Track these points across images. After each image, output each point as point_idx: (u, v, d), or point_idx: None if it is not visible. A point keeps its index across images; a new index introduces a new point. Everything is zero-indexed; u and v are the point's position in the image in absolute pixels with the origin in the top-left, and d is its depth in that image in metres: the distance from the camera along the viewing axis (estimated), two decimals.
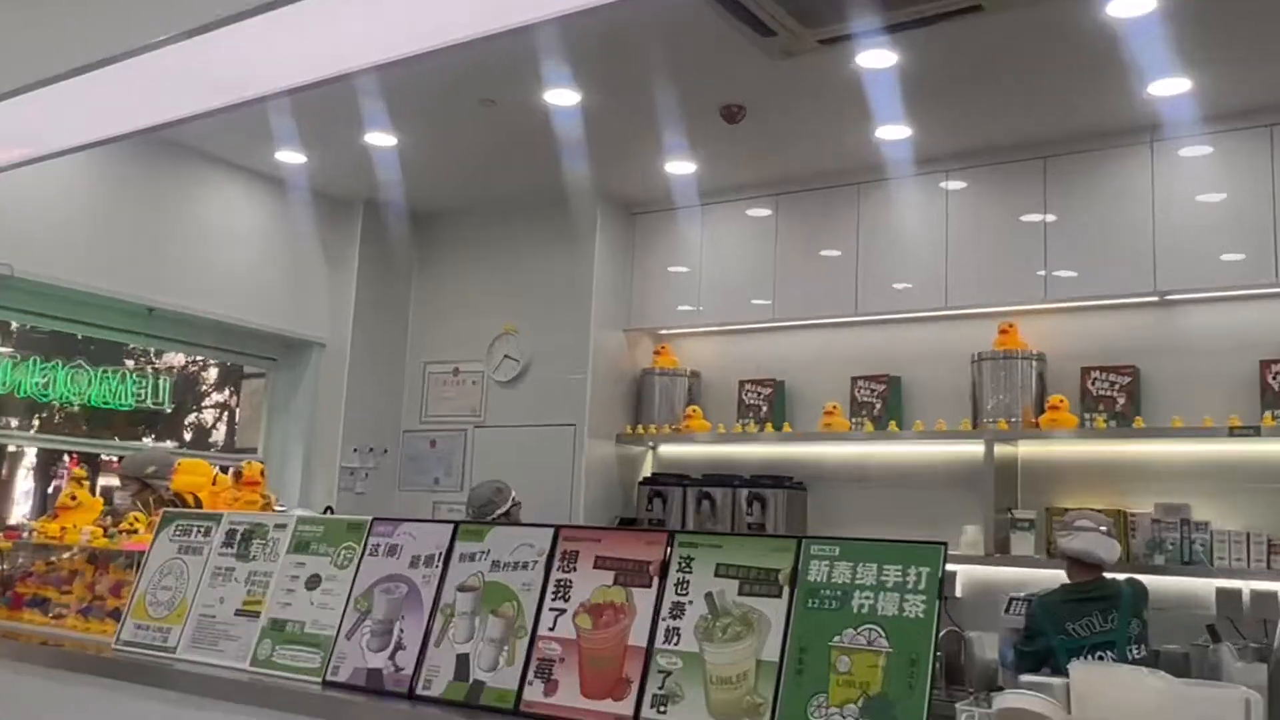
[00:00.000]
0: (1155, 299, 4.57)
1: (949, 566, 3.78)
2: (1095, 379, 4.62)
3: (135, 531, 2.82)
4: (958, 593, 4.66)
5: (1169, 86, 4.18)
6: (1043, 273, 4.71)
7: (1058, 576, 4.41)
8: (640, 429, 5.76)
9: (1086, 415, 4.60)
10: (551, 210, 5.94)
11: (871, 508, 5.13)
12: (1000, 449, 4.67)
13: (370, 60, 2.98)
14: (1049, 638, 3.62)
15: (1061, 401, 4.61)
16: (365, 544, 2.29)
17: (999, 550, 4.56)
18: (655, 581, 1.90)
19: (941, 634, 1.68)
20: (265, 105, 3.37)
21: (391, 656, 2.10)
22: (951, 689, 4.19)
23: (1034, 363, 4.75)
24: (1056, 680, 2.05)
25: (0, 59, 3.31)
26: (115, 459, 5.66)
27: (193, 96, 3.34)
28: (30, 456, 11.73)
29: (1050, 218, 4.73)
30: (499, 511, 4.42)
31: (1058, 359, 4.79)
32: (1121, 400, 4.55)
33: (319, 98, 4.24)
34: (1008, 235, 4.83)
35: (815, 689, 1.67)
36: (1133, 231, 4.53)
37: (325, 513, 3.80)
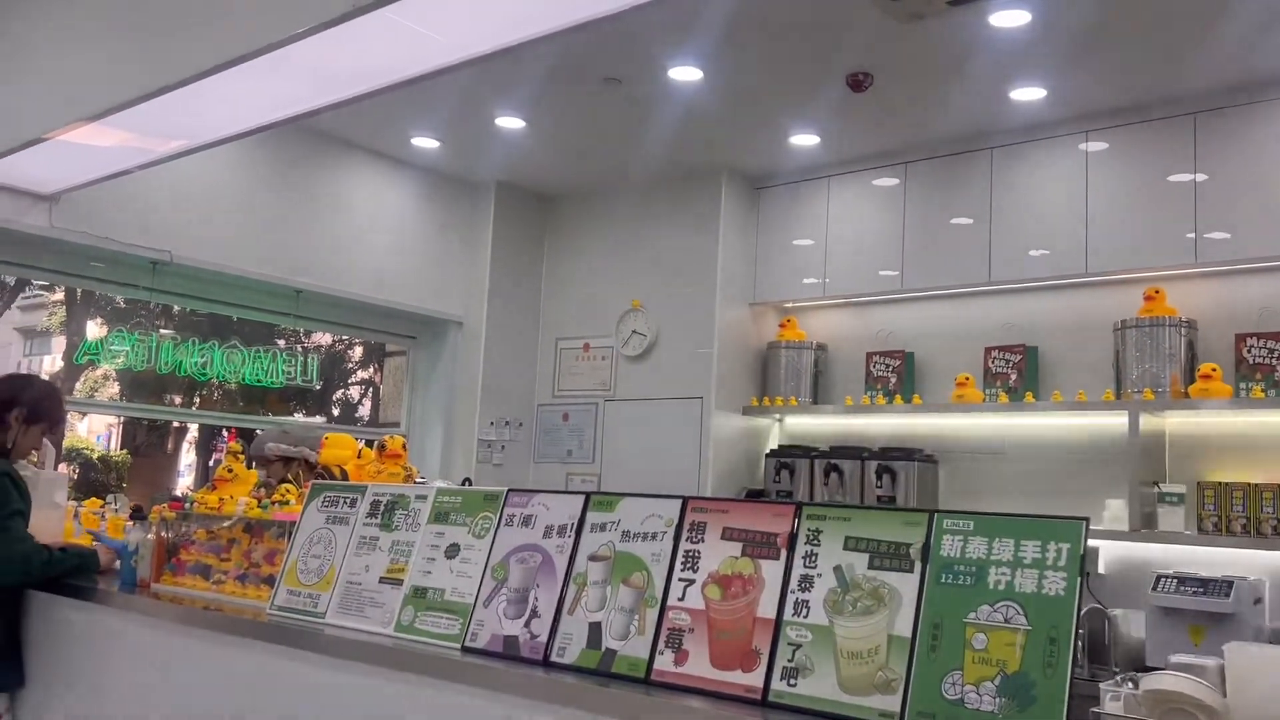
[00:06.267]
0: None
1: (1090, 542, 3.64)
2: (1251, 346, 4.37)
3: (287, 502, 2.97)
4: (1101, 569, 4.51)
5: None
6: (1192, 235, 4.48)
7: (1210, 554, 4.22)
8: (767, 401, 5.75)
9: (1242, 384, 4.36)
10: (676, 186, 5.97)
11: (1007, 481, 4.99)
12: (1146, 420, 4.47)
13: (498, 44, 3.05)
14: None
15: (1214, 370, 4.38)
16: (501, 514, 2.36)
17: (1145, 526, 4.38)
18: (783, 554, 1.90)
19: (1083, 612, 1.63)
20: (400, 93, 3.48)
21: (527, 624, 2.16)
22: (1095, 668, 4.07)
23: (1183, 330, 4.52)
24: (1210, 661, 1.96)
25: (155, 56, 3.51)
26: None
27: (333, 85, 3.48)
28: (193, 431, 12.48)
29: (1201, 177, 4.48)
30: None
31: (1209, 326, 4.55)
32: None
33: (450, 84, 4.37)
34: (1153, 197, 4.60)
35: (950, 666, 1.65)
36: None
37: (464, 484, 3.91)
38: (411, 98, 4.60)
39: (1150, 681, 1.87)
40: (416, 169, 6.13)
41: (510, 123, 5.32)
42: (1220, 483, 4.25)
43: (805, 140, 5.32)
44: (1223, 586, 3.88)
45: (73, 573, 3.20)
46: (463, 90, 4.86)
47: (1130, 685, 1.97)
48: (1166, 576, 4.03)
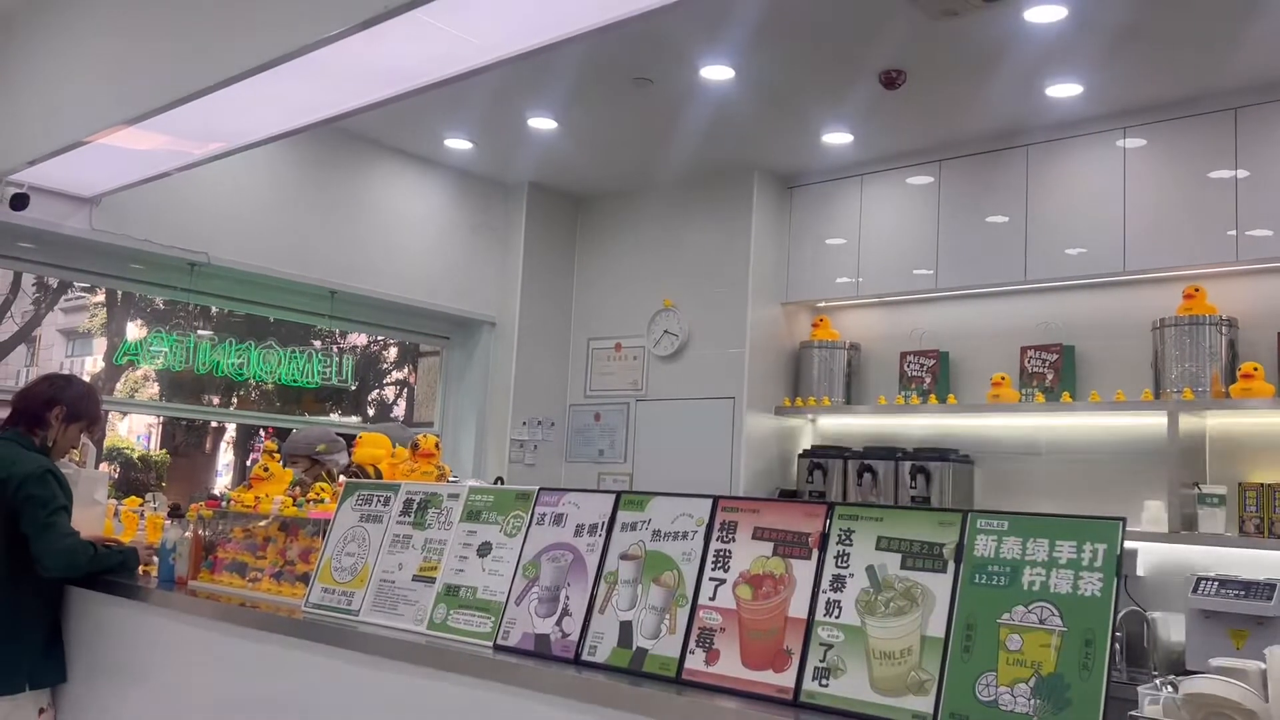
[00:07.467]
0: None
1: (1129, 544, 3.60)
2: None
3: (322, 501, 2.99)
4: (1139, 571, 4.44)
5: None
6: (1233, 232, 4.40)
7: (1252, 557, 4.15)
8: (800, 401, 5.73)
9: None
10: (708, 186, 5.96)
11: (1044, 482, 4.94)
12: (1185, 420, 4.40)
13: (530, 45, 3.06)
14: None
15: (1256, 369, 4.30)
16: (532, 513, 2.37)
17: (1185, 527, 4.31)
18: (815, 553, 1.89)
19: (1121, 614, 1.60)
20: (433, 95, 3.50)
21: (558, 622, 2.17)
22: (1133, 671, 4.01)
23: (1224, 328, 4.45)
24: (1251, 664, 1.92)
25: (191, 60, 3.56)
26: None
27: (367, 87, 3.51)
28: (231, 431, 12.64)
29: (1242, 173, 4.41)
30: (328, 456, 4.14)
31: (1251, 324, 4.48)
32: None
33: (482, 85, 4.39)
34: (1193, 193, 4.53)
35: (984, 667, 1.63)
36: None
37: (496, 483, 3.92)
38: (444, 99, 4.63)
39: (1190, 685, 1.84)
40: (449, 170, 6.17)
41: (542, 123, 5.34)
42: (1262, 484, 4.18)
43: (838, 138, 5.30)
44: (1265, 589, 3.82)
45: (115, 569, 3.26)
46: (495, 91, 4.89)
47: (1169, 689, 1.95)
48: (1207, 579, 3.97)
